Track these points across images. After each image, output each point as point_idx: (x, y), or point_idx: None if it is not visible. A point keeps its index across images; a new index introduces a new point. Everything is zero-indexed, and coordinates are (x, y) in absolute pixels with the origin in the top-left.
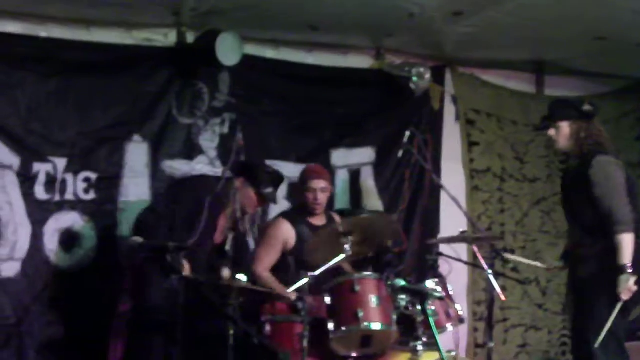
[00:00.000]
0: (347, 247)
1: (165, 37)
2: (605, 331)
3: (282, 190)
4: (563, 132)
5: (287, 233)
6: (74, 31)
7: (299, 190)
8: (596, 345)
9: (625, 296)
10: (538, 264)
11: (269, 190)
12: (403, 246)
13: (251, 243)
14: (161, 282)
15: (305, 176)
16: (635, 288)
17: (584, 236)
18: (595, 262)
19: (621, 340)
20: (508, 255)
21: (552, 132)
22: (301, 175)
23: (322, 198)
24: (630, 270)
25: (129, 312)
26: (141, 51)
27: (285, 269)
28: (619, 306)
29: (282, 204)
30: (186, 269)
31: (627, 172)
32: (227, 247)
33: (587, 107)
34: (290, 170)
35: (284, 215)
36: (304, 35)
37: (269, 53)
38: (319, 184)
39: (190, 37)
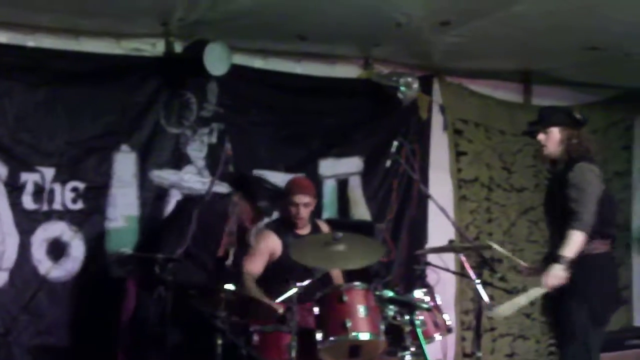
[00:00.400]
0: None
1: (154, 47)
2: (512, 309)
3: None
4: (553, 137)
5: (273, 244)
6: (63, 41)
7: (283, 202)
8: (490, 314)
9: (549, 283)
10: (520, 261)
11: (264, 203)
12: (390, 256)
13: None
14: (149, 293)
15: (290, 189)
16: (562, 279)
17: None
18: (579, 267)
19: (591, 350)
20: (494, 244)
21: (541, 137)
22: (286, 187)
23: (304, 212)
24: (565, 263)
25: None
26: (129, 61)
27: (270, 280)
28: (537, 292)
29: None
30: None
31: (606, 188)
32: (229, 261)
33: (578, 115)
34: (279, 180)
35: (270, 226)
36: (293, 45)
37: (258, 63)
38: (302, 199)
39: (178, 47)
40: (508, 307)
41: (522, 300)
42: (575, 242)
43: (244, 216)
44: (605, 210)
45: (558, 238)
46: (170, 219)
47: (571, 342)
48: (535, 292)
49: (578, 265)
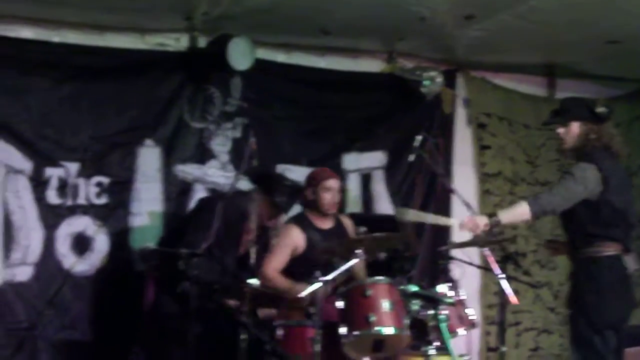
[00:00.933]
0: (359, 252)
1: (178, 42)
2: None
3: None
4: (572, 131)
5: (297, 238)
6: (88, 36)
7: (310, 192)
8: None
9: (464, 225)
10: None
11: (282, 199)
12: (415, 250)
13: None
14: (174, 288)
15: (320, 177)
16: (477, 231)
17: (574, 239)
18: (578, 272)
19: (601, 352)
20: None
21: (561, 130)
22: (313, 176)
23: (338, 197)
24: (492, 222)
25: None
26: (154, 56)
27: (294, 274)
28: (447, 221)
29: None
30: None
31: (608, 190)
32: (252, 260)
33: (600, 109)
34: (302, 174)
35: (293, 220)
36: (316, 40)
37: (281, 57)
38: (336, 183)
39: (202, 42)
40: (414, 215)
41: (429, 218)
42: (515, 213)
43: (263, 212)
44: (603, 215)
45: (564, 231)
46: (194, 214)
47: (579, 348)
48: (446, 220)
49: (581, 268)
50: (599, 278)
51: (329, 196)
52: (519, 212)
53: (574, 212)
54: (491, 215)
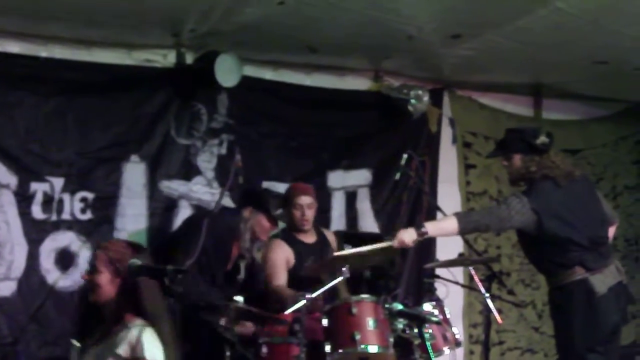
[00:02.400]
0: (344, 269)
1: (165, 58)
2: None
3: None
4: (515, 164)
5: (287, 252)
6: (75, 51)
7: (286, 211)
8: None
9: (397, 240)
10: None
11: (279, 212)
12: (399, 269)
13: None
14: None
15: (291, 193)
16: (408, 244)
17: (542, 272)
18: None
19: None
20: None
21: (505, 163)
22: (287, 193)
23: (309, 214)
24: (419, 232)
25: None
26: (140, 72)
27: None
28: (381, 245)
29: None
30: None
31: (544, 219)
32: (241, 275)
33: (541, 140)
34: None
35: (278, 236)
36: (303, 57)
37: (268, 74)
38: (305, 199)
39: (189, 58)
40: (351, 251)
41: (366, 248)
42: (443, 226)
43: (258, 229)
44: (552, 244)
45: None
46: (180, 229)
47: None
48: (382, 244)
49: (551, 298)
50: (566, 305)
51: (298, 213)
52: (447, 225)
53: (532, 249)
54: (419, 226)
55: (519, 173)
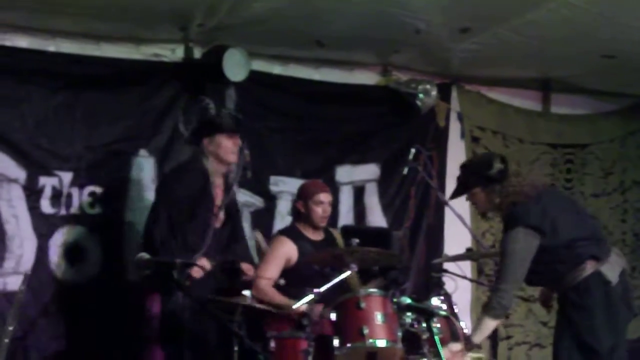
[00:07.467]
0: (353, 265)
1: (173, 53)
2: None
3: (286, 207)
4: (479, 198)
5: (289, 250)
6: (83, 46)
7: (301, 205)
8: None
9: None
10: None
11: (229, 122)
12: (406, 263)
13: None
14: (167, 298)
15: (312, 190)
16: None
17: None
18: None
19: None
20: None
21: (469, 200)
22: (305, 189)
23: (329, 211)
24: (469, 346)
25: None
26: (149, 66)
27: (288, 286)
28: None
29: (286, 220)
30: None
31: (551, 234)
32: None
33: (496, 168)
34: (296, 185)
35: (284, 232)
36: (311, 52)
37: (277, 69)
38: (327, 197)
39: (197, 53)
40: None
41: None
42: (484, 330)
43: (222, 152)
44: (561, 249)
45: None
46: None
47: None
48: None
49: (567, 301)
50: (585, 302)
51: (320, 210)
52: (486, 327)
53: (538, 266)
54: (468, 339)
55: (488, 205)
